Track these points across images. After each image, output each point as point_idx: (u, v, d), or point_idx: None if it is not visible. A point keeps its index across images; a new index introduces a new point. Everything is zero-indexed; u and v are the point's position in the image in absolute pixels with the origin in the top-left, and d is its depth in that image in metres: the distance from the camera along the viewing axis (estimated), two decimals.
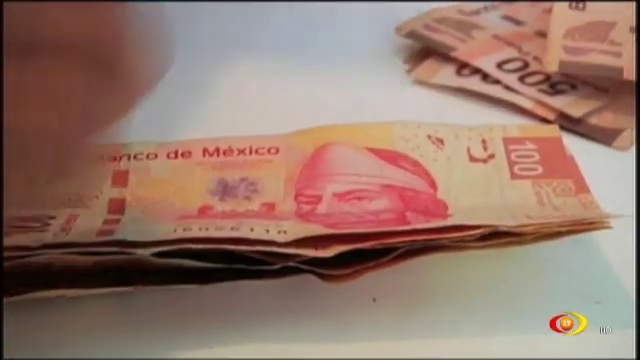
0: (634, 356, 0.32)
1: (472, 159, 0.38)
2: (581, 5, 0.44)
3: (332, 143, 0.38)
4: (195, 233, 0.32)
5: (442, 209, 0.35)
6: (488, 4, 0.51)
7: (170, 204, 0.36)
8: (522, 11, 0.51)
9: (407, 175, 0.37)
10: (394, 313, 0.33)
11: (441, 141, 0.38)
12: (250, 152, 0.38)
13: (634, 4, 0.44)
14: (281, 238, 0.32)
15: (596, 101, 0.45)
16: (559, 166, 0.37)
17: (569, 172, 0.37)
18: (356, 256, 0.32)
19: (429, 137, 0.38)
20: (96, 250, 0.31)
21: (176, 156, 0.38)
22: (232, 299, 0.33)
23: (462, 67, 0.47)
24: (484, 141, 0.38)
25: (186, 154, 0.38)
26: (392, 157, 0.38)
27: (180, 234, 0.32)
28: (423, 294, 0.34)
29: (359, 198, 0.36)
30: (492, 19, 0.50)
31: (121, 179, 0.37)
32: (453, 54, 0.47)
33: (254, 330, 0.33)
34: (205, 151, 0.38)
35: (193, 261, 0.31)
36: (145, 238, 0.31)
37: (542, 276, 0.35)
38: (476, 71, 0.46)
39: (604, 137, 0.43)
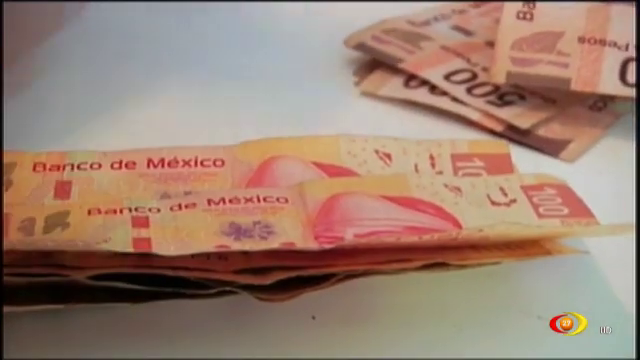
0: (634, 356, 0.32)
1: None
2: (529, 15, 0.44)
3: (278, 157, 0.38)
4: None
5: None
6: (438, 14, 0.51)
7: None
8: (472, 21, 0.51)
9: None
10: (334, 331, 0.33)
11: (388, 156, 0.38)
12: (195, 164, 0.37)
13: (584, 14, 0.44)
14: (221, 266, 0.31)
15: (544, 112, 0.45)
16: None
17: None
18: (295, 280, 0.32)
19: (377, 152, 0.38)
20: (29, 272, 0.31)
21: (120, 166, 0.37)
22: (167, 317, 0.33)
23: (410, 79, 0.46)
24: (432, 157, 0.38)
25: (130, 164, 0.37)
26: (338, 172, 0.37)
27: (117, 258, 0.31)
28: (363, 311, 0.34)
29: None
30: (442, 30, 0.50)
31: (64, 190, 0.36)
32: (400, 65, 0.46)
33: (190, 349, 0.32)
34: (150, 162, 0.37)
35: (127, 284, 0.31)
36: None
37: (489, 295, 0.35)
38: (424, 82, 0.46)
39: (551, 149, 0.43)
